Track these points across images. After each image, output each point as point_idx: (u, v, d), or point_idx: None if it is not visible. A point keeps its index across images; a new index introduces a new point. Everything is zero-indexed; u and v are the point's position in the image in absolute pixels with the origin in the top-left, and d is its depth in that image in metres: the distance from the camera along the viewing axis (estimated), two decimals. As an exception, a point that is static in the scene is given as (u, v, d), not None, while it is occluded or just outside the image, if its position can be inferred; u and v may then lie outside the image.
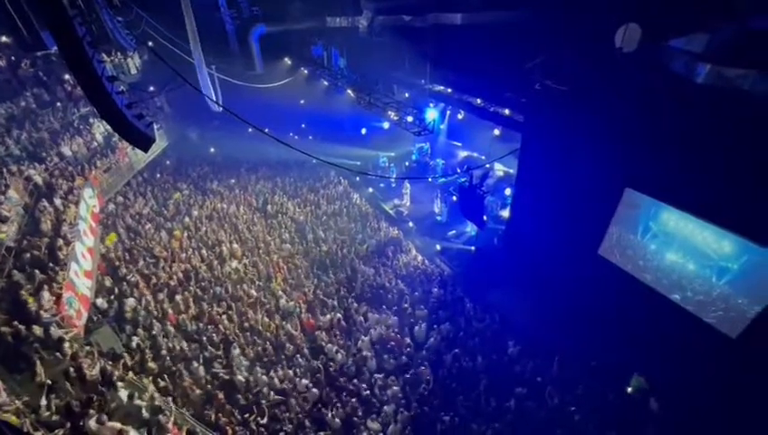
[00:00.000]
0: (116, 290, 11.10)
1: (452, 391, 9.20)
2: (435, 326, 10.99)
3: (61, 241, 10.63)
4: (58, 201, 12.04)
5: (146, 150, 6.93)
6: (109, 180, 15.56)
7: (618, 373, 9.35)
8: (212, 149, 21.86)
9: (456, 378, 9.54)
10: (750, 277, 7.53)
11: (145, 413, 7.49)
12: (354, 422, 8.42)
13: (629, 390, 9.14)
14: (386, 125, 19.77)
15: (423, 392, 9.14)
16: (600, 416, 8.45)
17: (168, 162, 20.07)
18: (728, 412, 7.67)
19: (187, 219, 15.54)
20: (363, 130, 22.46)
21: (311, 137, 23.76)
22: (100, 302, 10.55)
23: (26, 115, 14.63)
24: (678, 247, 8.82)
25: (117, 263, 12.19)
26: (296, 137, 23.02)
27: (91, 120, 16.64)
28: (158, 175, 18.76)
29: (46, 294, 8.88)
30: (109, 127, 8.70)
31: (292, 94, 20.93)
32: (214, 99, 14.22)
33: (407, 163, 21.42)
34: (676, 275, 8.94)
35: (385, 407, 8.74)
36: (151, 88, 16.60)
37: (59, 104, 16.08)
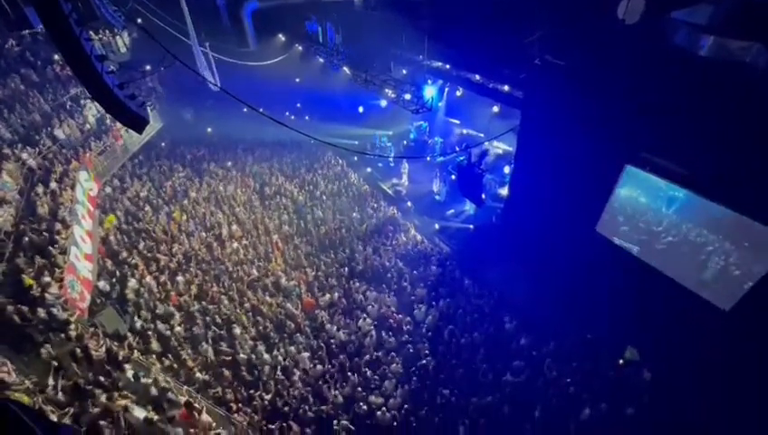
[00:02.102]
0: (117, 272, 11.18)
1: (451, 366, 9.45)
2: (434, 304, 11.18)
3: (59, 225, 10.62)
4: (53, 185, 11.95)
5: (140, 132, 6.82)
6: (104, 163, 15.39)
7: (612, 345, 9.60)
8: (208, 130, 21.55)
9: (455, 354, 9.78)
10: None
11: (153, 391, 7.69)
12: (356, 397, 8.68)
13: (621, 361, 9.40)
14: (383, 103, 19.47)
15: (423, 368, 9.38)
16: (594, 387, 8.72)
17: (163, 144, 19.78)
18: (718, 382, 7.93)
19: (185, 202, 15.50)
20: (360, 109, 22.10)
21: (307, 117, 23.41)
22: (103, 284, 10.64)
23: (16, 97, 14.31)
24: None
25: (116, 246, 12.23)
26: (293, 117, 22.65)
27: (82, 102, 16.29)
28: (154, 157, 18.55)
29: (47, 278, 8.95)
30: (101, 108, 8.54)
31: (286, 72, 20.47)
32: (210, 78, 13.92)
33: (405, 142, 21.21)
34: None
35: (386, 382, 8.99)
36: (147, 67, 16.12)
37: (48, 86, 15.72)
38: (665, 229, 8.82)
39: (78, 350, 7.91)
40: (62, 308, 8.63)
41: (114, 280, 10.92)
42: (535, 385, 8.95)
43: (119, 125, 15.85)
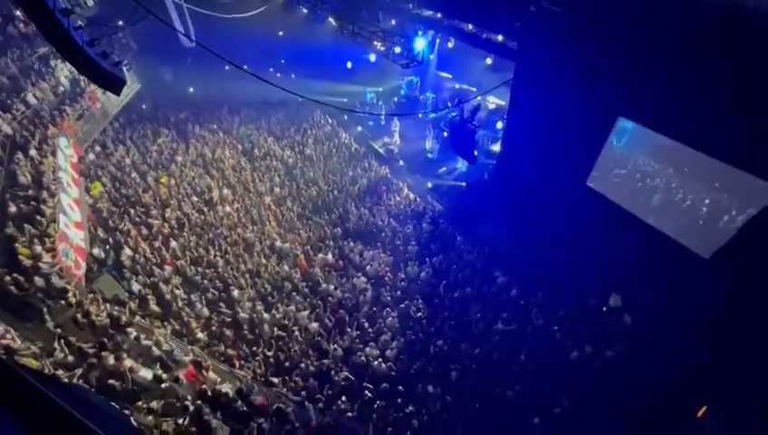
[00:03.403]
0: (110, 240, 11.15)
1: (444, 318, 9.86)
2: (427, 260, 11.44)
3: (45, 193, 10.39)
4: (33, 152, 11.54)
5: (118, 93, 6.52)
6: (83, 128, 14.78)
7: (597, 293, 10.04)
8: (190, 90, 20.60)
9: (448, 307, 10.17)
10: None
11: (158, 351, 7.97)
12: (354, 349, 9.10)
13: (605, 309, 9.88)
14: (372, 58, 18.66)
15: (417, 321, 9.78)
16: (579, 333, 9.22)
17: (143, 106, 18.96)
18: (692, 326, 8.42)
19: (172, 166, 15.16)
20: (349, 64, 21.18)
21: (293, 75, 22.40)
22: (97, 251, 10.64)
23: (-21, 58, 13.40)
24: None
25: (107, 213, 12.08)
26: (279, 74, 21.66)
27: (52, 63, 15.33)
28: (136, 121, 17.84)
29: (39, 247, 8.90)
30: (74, 70, 8.06)
31: (268, 26, 19.25)
32: (184, 32, 13.10)
33: (395, 99, 20.61)
34: None
35: (382, 336, 9.39)
36: (120, 22, 14.97)
37: (13, 44, 14.66)
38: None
39: (80, 316, 8.07)
40: (58, 276, 8.68)
41: (108, 247, 10.91)
42: (523, 333, 9.43)
43: (94, 87, 15.07)
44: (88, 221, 11.37)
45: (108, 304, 8.85)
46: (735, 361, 7.61)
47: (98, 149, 15.03)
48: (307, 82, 19.62)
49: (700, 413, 7.59)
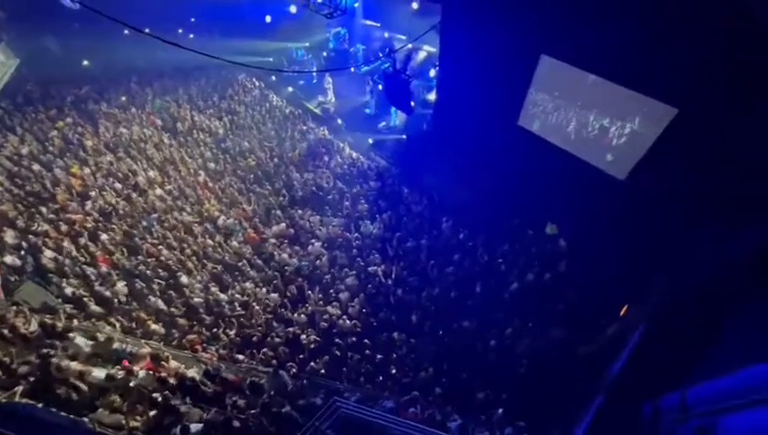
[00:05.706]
0: (24, 244, 9.87)
1: (400, 269, 10.23)
2: (377, 217, 11.61)
3: (-76, 202, 8.81)
4: None
5: (-10, 72, 5.42)
6: (-44, 119, 12.44)
7: (534, 225, 10.95)
8: (85, 62, 17.83)
9: (403, 258, 10.56)
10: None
11: (107, 350, 7.51)
12: (317, 313, 9.24)
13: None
14: (293, 9, 17.26)
15: (375, 275, 10.07)
16: (520, 263, 10.12)
17: (29, 86, 16.18)
18: (618, 244, 9.52)
19: (81, 153, 13.41)
20: (268, 18, 19.41)
21: (207, 34, 20.14)
22: (11, 259, 9.41)
23: None
24: None
25: (11, 216, 10.57)
26: (192, 36, 19.33)
27: None
28: (23, 103, 15.25)
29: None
30: None
31: (167, -22, 16.92)
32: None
33: (324, 53, 19.53)
34: None
35: (341, 295, 9.59)
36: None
37: None
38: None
39: (6, 331, 7.27)
40: (-33, 294, 7.65)
41: (23, 252, 9.68)
42: (473, 271, 10.14)
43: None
44: (-10, 227, 9.92)
45: (35, 315, 8.02)
46: (650, 260, 8.85)
47: (-18, 141, 12.82)
48: (224, 43, 17.77)
49: (623, 312, 8.89)
